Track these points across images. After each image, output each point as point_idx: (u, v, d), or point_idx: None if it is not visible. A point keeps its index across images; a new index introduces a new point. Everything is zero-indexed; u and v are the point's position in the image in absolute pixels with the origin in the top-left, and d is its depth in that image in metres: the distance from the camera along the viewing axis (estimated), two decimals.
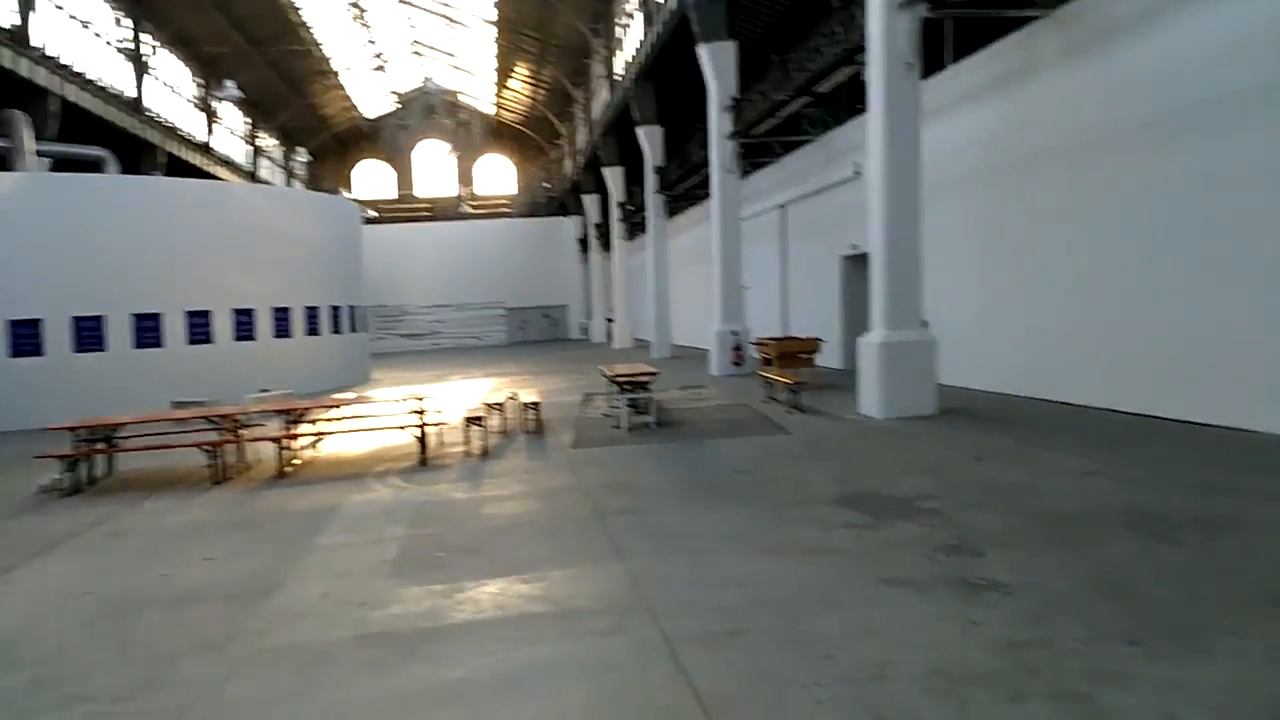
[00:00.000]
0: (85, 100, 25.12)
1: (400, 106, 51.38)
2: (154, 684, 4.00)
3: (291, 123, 47.72)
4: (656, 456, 9.27)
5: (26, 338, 15.20)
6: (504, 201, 55.34)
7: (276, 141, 48.12)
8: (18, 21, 22.75)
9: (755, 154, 19.64)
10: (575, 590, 4.99)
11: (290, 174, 50.84)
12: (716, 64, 17.98)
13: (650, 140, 25.62)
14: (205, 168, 34.92)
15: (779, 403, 12.67)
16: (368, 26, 42.61)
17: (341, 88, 48.40)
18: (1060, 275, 11.25)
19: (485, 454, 9.77)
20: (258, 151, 44.70)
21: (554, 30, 35.58)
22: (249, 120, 42.99)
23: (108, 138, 25.98)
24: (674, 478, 8.18)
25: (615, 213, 33.11)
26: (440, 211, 52.30)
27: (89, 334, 15.67)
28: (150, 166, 29.17)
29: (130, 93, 29.39)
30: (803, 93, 15.06)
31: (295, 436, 9.63)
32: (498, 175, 57.29)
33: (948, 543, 5.40)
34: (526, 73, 44.20)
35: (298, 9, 36.20)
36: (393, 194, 56.33)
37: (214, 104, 37.32)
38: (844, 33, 12.88)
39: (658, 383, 12.08)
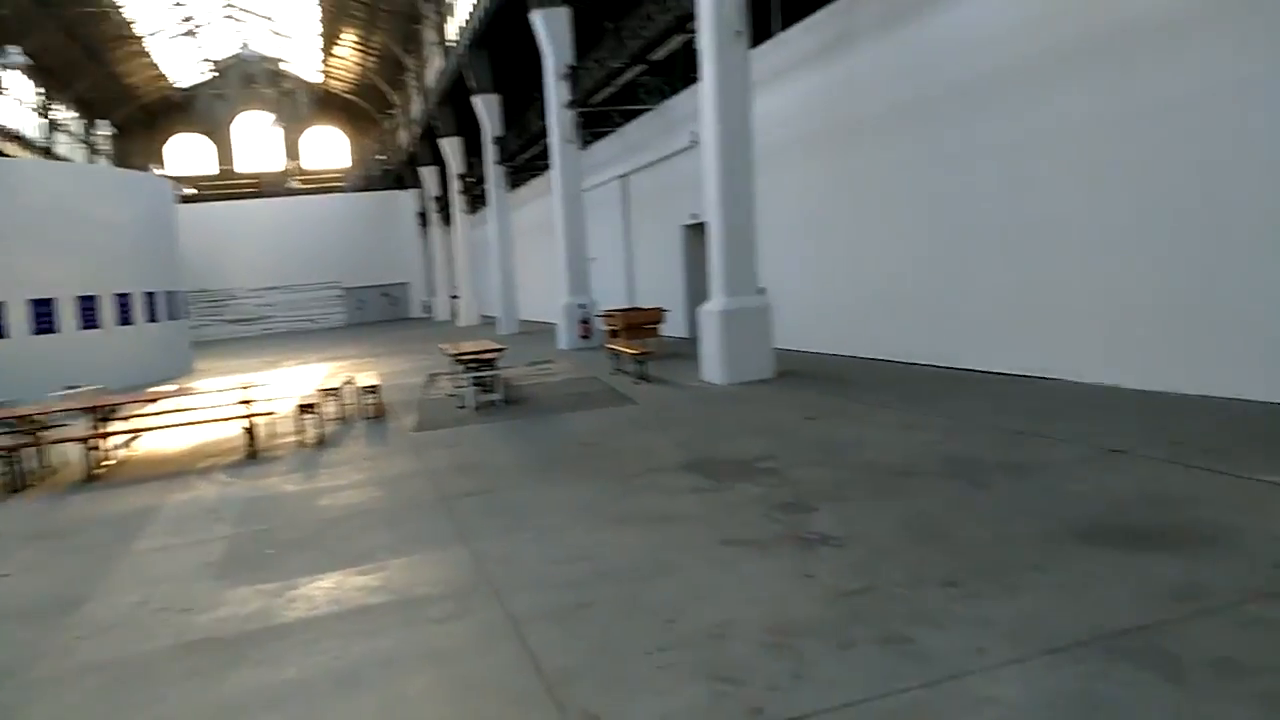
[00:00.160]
0: None
1: (216, 75, 48.02)
2: None
3: (91, 93, 43.69)
4: (504, 434, 9.15)
5: None
6: (336, 175, 52.89)
7: (75, 114, 43.96)
8: None
9: (595, 123, 19.56)
10: (417, 578, 4.84)
11: (92, 149, 46.64)
12: (551, 31, 17.72)
13: (488, 110, 25.06)
14: None
15: (626, 374, 12.76)
16: None
17: (148, 54, 44.68)
18: (883, 239, 11.83)
19: (321, 443, 9.34)
20: (53, 125, 40.71)
21: None
22: (41, 90, 39.02)
23: None
24: (522, 455, 8.09)
25: (455, 185, 32.30)
26: (267, 187, 49.34)
27: None
28: None
29: None
30: (637, 61, 15.08)
31: (106, 435, 8.88)
32: (328, 148, 54.66)
33: (785, 501, 5.59)
34: (354, 39, 42.21)
35: None
36: (213, 170, 52.74)
37: None
38: (674, 0, 12.96)
39: (504, 359, 11.90)
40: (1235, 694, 2.89)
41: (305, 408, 9.60)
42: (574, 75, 17.70)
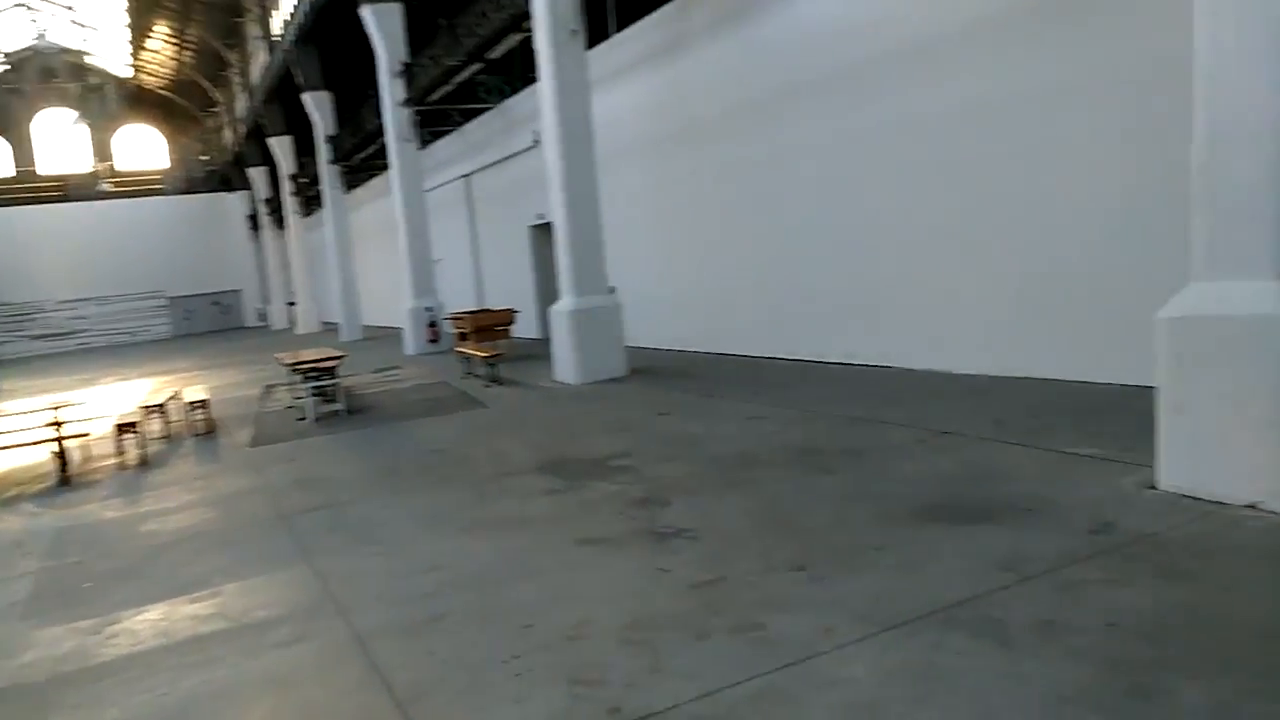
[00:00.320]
0: None
1: (9, 68, 43.70)
2: None
3: None
4: (349, 446, 8.78)
5: None
6: (154, 177, 49.22)
7: None
8: None
9: (434, 122, 19.10)
10: (255, 601, 4.55)
11: None
12: (383, 27, 17.16)
13: (319, 107, 24.02)
14: None
15: (477, 377, 12.53)
16: None
17: None
18: (725, 236, 12.14)
19: (144, 464, 8.66)
20: None
21: None
22: None
23: None
24: (368, 466, 7.78)
25: (287, 186, 30.77)
26: (74, 191, 45.31)
27: None
28: None
29: None
30: (474, 59, 14.83)
31: None
32: (144, 148, 50.78)
33: (639, 497, 5.62)
34: (168, 31, 39.39)
35: None
36: (8, 172, 48.04)
37: None
38: None
39: (347, 367, 11.44)
40: (1055, 653, 3.11)
41: (125, 427, 8.88)
42: (409, 72, 17.22)
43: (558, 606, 4.00)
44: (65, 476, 8.16)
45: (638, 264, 13.44)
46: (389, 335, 21.94)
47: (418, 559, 4.91)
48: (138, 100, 47.99)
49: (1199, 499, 4.40)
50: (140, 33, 40.37)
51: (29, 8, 40.39)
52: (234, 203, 41.11)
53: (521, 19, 12.40)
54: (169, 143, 50.96)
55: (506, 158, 17.57)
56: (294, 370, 10.99)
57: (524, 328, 16.18)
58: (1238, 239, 4.31)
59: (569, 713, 3.07)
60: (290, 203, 31.12)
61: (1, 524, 6.84)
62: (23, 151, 48.85)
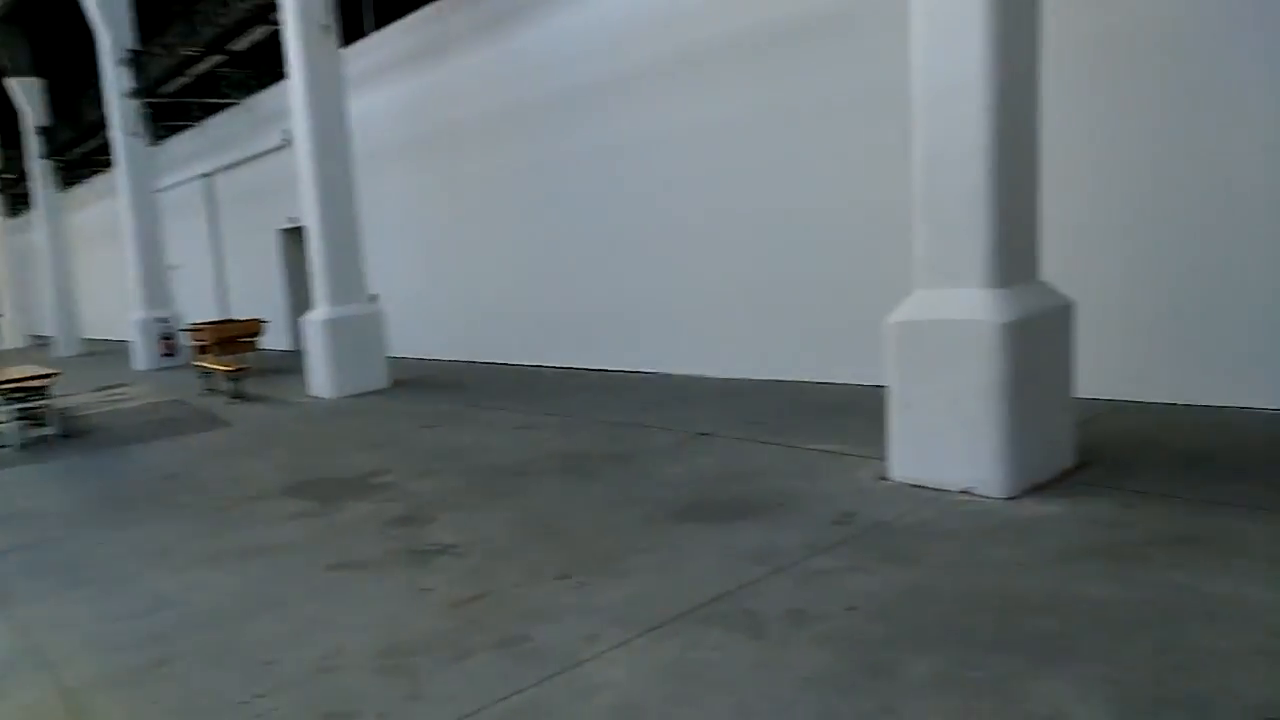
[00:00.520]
0: None
1: None
2: None
3: None
4: (61, 475, 7.74)
5: None
6: None
7: None
8: None
9: (170, 116, 17.41)
10: None
11: None
12: (104, 9, 15.43)
13: (27, 96, 21.25)
14: None
15: (219, 394, 11.51)
16: None
17: None
18: (494, 243, 11.99)
19: None
20: None
21: None
22: None
23: None
24: (85, 496, 6.90)
25: None
26: None
27: None
28: None
29: None
30: (215, 50, 13.72)
31: None
32: None
33: (399, 515, 5.37)
34: None
35: None
36: None
37: None
38: None
39: (62, 386, 10.10)
40: (803, 639, 3.28)
41: None
42: (137, 61, 15.59)
43: (306, 638, 3.71)
44: None
45: (403, 271, 12.98)
46: (115, 349, 19.71)
47: (142, 598, 4.38)
48: None
49: (924, 487, 4.85)
50: None
51: None
52: None
53: (268, 10, 11.61)
54: None
55: (253, 157, 16.36)
56: None
57: (274, 339, 15.11)
58: (952, 251, 4.79)
59: None
60: None
61: None
62: None
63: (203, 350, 13.33)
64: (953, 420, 4.74)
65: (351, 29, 12.31)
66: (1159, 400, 6.16)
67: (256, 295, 17.11)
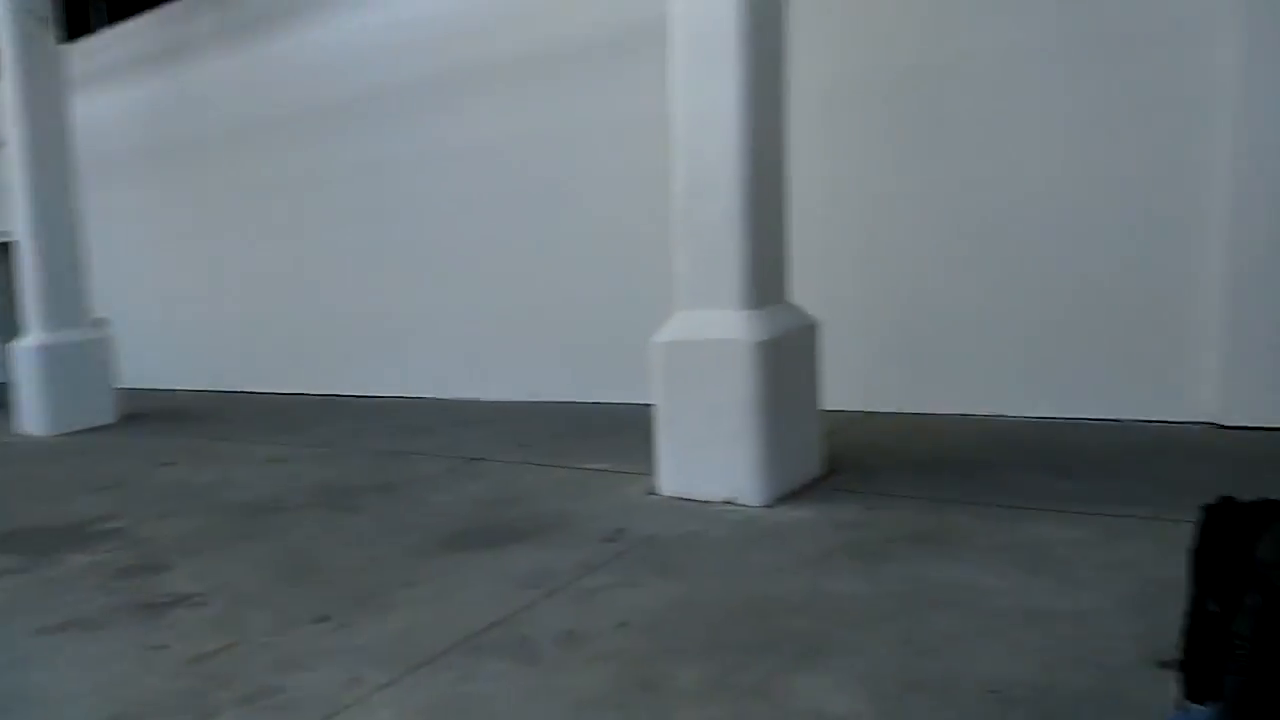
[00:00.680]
0: None
1: None
2: None
3: None
4: None
5: None
6: None
7: None
8: None
9: None
10: None
11: None
12: None
13: None
14: None
15: None
16: None
17: None
18: (242, 264, 11.14)
19: None
20: None
21: None
22: None
23: None
24: None
25: None
26: None
27: None
28: None
29: None
30: None
31: None
32: None
33: (128, 565, 4.78)
34: None
35: None
36: None
37: None
38: None
39: None
40: (578, 660, 3.24)
41: None
42: None
43: (8, 718, 3.18)
44: None
45: (140, 292, 11.73)
46: None
47: None
48: None
49: (690, 500, 5.00)
50: None
51: None
52: None
53: None
54: None
55: None
56: None
57: None
58: (710, 275, 5.00)
59: None
60: None
61: None
62: None
63: None
64: (714, 435, 4.93)
65: (77, 24, 11.05)
66: (895, 410, 6.76)
67: None
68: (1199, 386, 5.88)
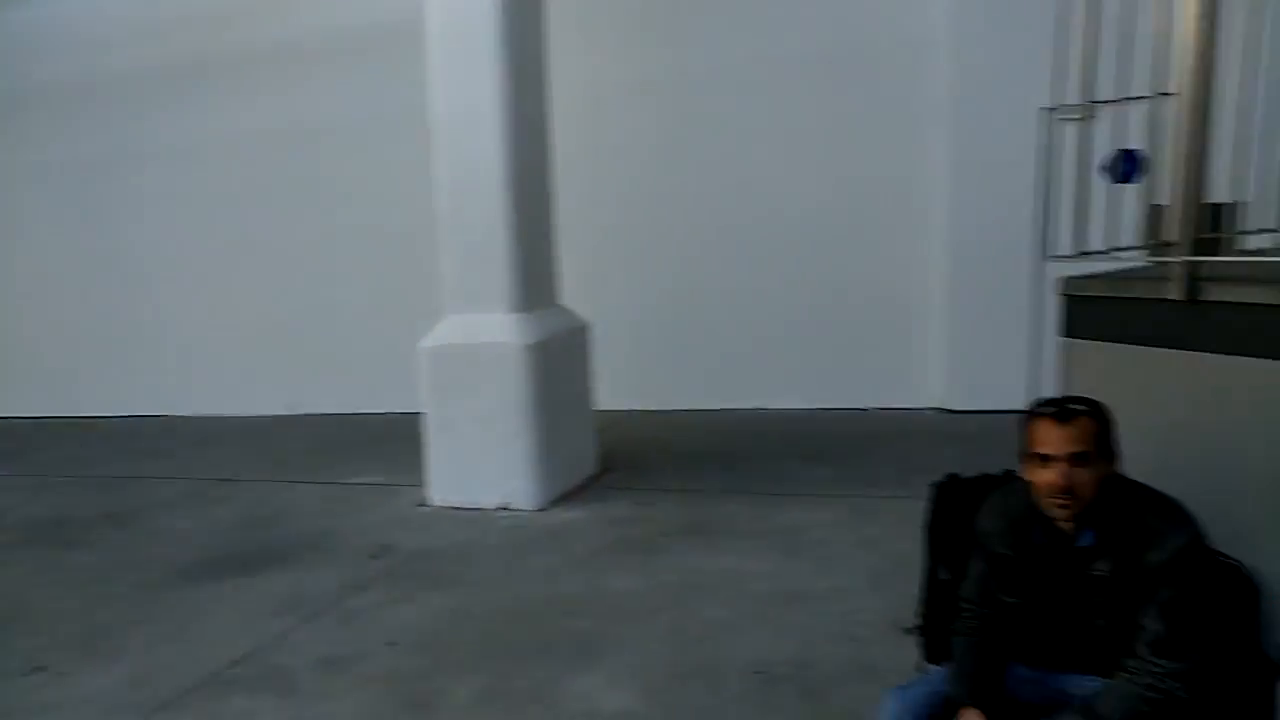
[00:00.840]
0: None
1: None
2: None
3: None
4: None
5: None
6: None
7: None
8: None
9: None
10: None
11: None
12: None
13: None
14: None
15: None
16: None
17: None
18: None
19: None
20: None
21: None
22: None
23: None
24: None
25: None
26: None
27: None
28: None
29: None
30: None
31: None
32: None
33: None
34: None
35: None
36: None
37: None
38: None
39: None
40: (341, 686, 3.03)
41: None
42: None
43: None
44: None
45: None
46: None
47: None
48: None
49: (464, 509, 4.85)
50: None
51: None
52: None
53: None
54: None
55: None
56: None
57: None
58: (476, 277, 4.88)
59: None
60: None
61: None
62: None
63: None
64: (487, 440, 4.82)
65: None
66: (664, 407, 6.95)
67: None
68: (928, 376, 6.51)
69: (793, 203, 6.68)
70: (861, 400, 6.65)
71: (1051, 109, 2.31)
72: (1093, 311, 2.43)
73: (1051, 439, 1.72)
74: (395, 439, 6.56)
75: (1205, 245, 2.18)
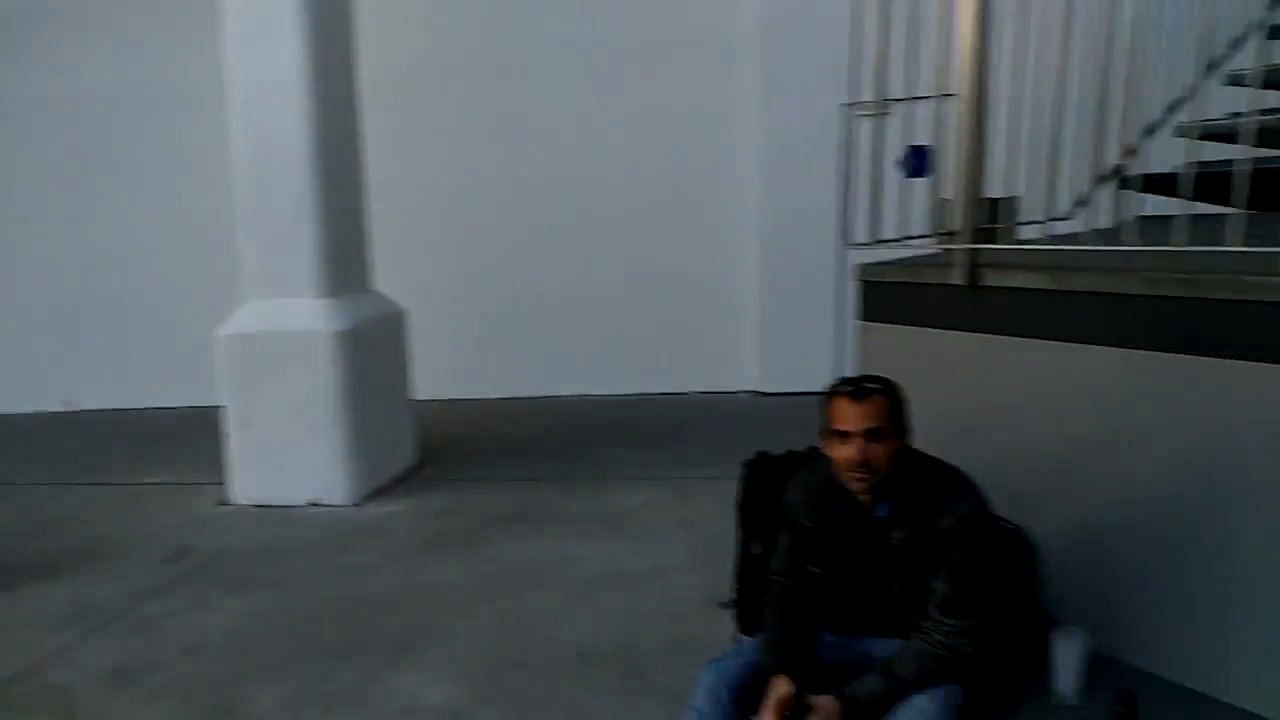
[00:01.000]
0: None
1: None
2: None
3: None
4: None
5: None
6: None
7: None
8: None
9: None
10: None
11: None
12: None
13: None
14: None
15: None
16: None
17: None
18: None
19: None
20: None
21: None
22: None
23: None
24: None
25: None
26: None
27: None
28: None
29: None
30: None
31: None
32: None
33: None
34: None
35: None
36: None
37: None
38: None
39: None
40: (130, 700, 2.79)
41: None
42: None
43: None
44: None
45: None
46: None
47: None
48: None
49: (270, 506, 4.57)
50: None
51: None
52: None
53: None
54: None
55: None
56: None
57: None
58: (280, 261, 4.60)
59: None
60: None
61: None
62: None
63: None
64: (296, 433, 4.57)
65: None
66: (486, 396, 6.85)
67: None
68: (743, 360, 6.76)
69: (612, 190, 6.74)
70: (682, 385, 6.81)
71: (850, 105, 2.44)
72: (886, 296, 2.60)
73: (848, 416, 1.81)
74: (190, 436, 6.10)
75: (984, 235, 2.37)
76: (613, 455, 5.31)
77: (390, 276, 5.34)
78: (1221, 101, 2.57)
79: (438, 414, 6.23)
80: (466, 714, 2.63)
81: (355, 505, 4.56)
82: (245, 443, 4.66)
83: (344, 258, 4.76)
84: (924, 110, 2.41)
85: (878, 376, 1.89)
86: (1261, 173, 1.86)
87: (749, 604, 2.27)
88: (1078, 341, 2.14)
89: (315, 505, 4.56)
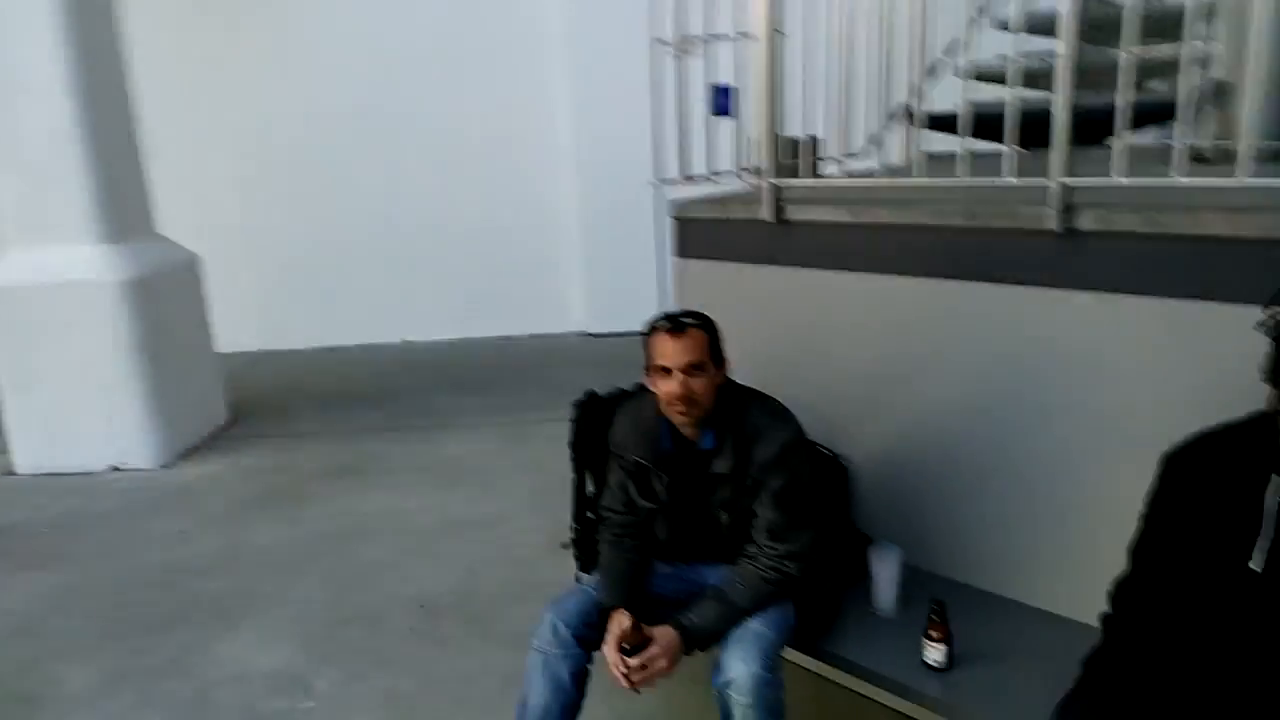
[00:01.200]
0: None
1: None
2: None
3: None
4: None
5: None
6: None
7: None
8: None
9: None
10: None
11: None
12: None
13: None
14: None
15: None
16: None
17: None
18: None
19: None
20: None
21: None
22: None
23: None
24: None
25: None
26: None
27: None
28: None
29: None
30: None
31: None
32: None
33: None
34: None
35: None
36: None
37: None
38: None
39: None
40: None
41: None
42: None
43: None
44: None
45: None
46: None
47: None
48: None
49: (63, 475, 4.20)
50: None
51: None
52: None
53: None
54: None
55: None
56: None
57: None
58: (44, 202, 4.13)
59: None
60: None
61: None
62: None
63: None
64: (84, 394, 4.20)
65: None
66: (300, 346, 6.52)
67: None
68: (570, 302, 6.77)
69: (432, 132, 6.46)
70: (509, 328, 6.75)
71: (655, 41, 2.43)
72: (699, 233, 2.67)
73: (668, 351, 1.86)
74: None
75: (788, 172, 2.47)
76: (442, 403, 5.22)
77: (193, 223, 4.94)
78: (1000, 44, 2.77)
79: (246, 368, 5.90)
80: (304, 676, 2.57)
81: (163, 467, 4.28)
82: (26, 407, 4.25)
83: (120, 198, 4.31)
84: (728, 50, 2.45)
85: (694, 311, 1.93)
86: (1031, 113, 2.01)
87: (588, 543, 2.30)
88: (877, 272, 2.28)
89: (117, 470, 4.24)
